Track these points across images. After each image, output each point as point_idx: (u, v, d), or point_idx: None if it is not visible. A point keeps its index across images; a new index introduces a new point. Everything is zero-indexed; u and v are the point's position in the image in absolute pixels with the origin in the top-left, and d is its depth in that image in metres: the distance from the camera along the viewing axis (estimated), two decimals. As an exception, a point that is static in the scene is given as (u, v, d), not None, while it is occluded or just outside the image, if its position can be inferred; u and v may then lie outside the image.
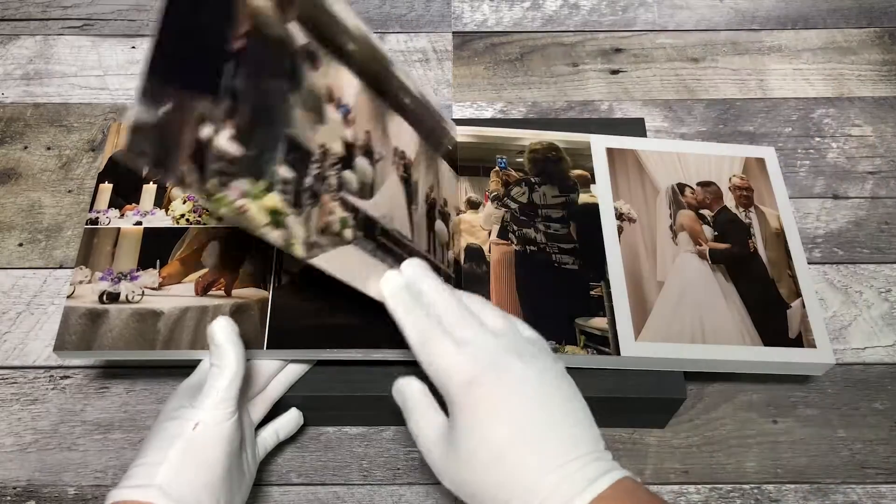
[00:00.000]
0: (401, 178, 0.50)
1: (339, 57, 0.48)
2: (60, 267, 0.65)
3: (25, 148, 0.72)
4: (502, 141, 0.61)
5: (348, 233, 0.44)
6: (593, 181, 0.60)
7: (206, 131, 0.40)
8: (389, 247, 0.46)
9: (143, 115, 0.38)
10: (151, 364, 0.60)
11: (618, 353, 0.51)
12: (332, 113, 0.47)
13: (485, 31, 0.80)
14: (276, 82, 0.44)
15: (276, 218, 0.42)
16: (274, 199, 0.42)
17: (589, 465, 0.37)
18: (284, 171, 0.42)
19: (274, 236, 0.41)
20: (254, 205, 0.41)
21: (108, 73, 0.77)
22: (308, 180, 0.44)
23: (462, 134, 0.61)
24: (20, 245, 0.66)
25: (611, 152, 0.61)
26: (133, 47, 0.79)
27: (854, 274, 0.65)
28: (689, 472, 0.56)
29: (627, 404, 0.53)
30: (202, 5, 0.43)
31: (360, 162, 0.48)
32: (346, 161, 0.46)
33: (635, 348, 0.52)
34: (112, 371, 0.60)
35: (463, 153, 0.60)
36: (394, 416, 0.56)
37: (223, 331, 0.44)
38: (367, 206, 0.46)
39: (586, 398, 0.52)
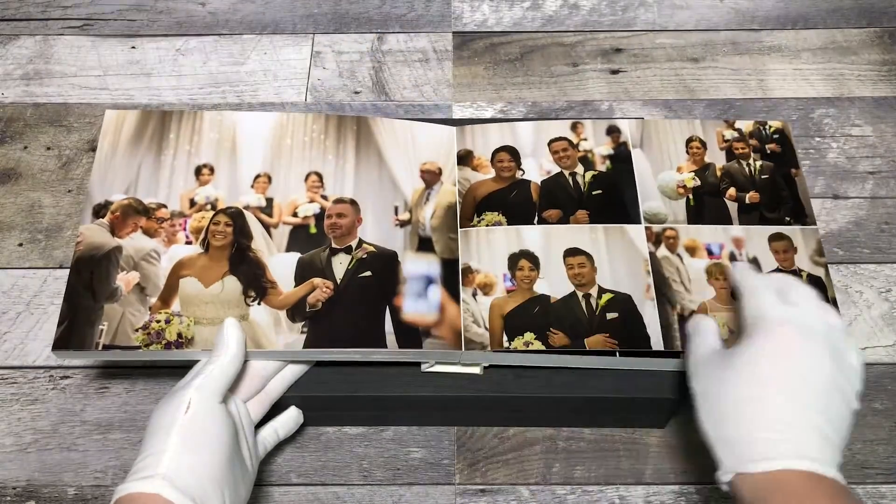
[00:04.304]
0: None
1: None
2: (60, 267, 0.65)
3: (25, 148, 0.72)
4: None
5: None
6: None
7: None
8: None
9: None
10: (151, 364, 0.60)
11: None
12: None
13: (485, 31, 0.80)
14: None
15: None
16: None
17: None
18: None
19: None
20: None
21: (107, 73, 0.77)
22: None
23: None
24: (20, 245, 0.66)
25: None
26: (133, 47, 0.79)
27: (854, 274, 0.65)
28: (689, 472, 0.56)
29: (627, 404, 0.53)
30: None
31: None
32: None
33: None
34: (112, 371, 0.60)
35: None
36: (394, 416, 0.56)
37: (233, 326, 0.48)
38: None
39: (586, 398, 0.52)
